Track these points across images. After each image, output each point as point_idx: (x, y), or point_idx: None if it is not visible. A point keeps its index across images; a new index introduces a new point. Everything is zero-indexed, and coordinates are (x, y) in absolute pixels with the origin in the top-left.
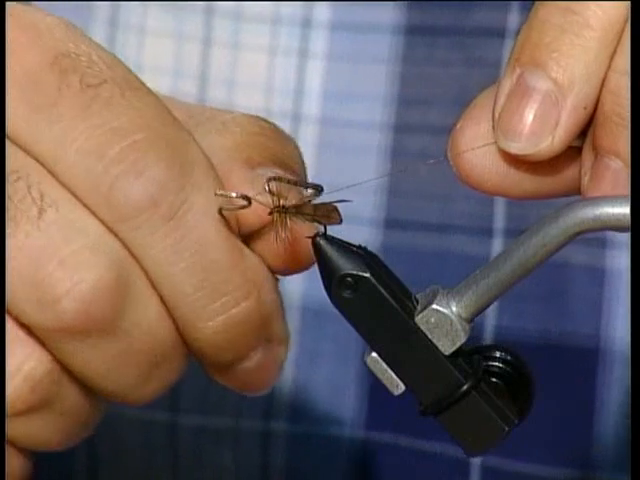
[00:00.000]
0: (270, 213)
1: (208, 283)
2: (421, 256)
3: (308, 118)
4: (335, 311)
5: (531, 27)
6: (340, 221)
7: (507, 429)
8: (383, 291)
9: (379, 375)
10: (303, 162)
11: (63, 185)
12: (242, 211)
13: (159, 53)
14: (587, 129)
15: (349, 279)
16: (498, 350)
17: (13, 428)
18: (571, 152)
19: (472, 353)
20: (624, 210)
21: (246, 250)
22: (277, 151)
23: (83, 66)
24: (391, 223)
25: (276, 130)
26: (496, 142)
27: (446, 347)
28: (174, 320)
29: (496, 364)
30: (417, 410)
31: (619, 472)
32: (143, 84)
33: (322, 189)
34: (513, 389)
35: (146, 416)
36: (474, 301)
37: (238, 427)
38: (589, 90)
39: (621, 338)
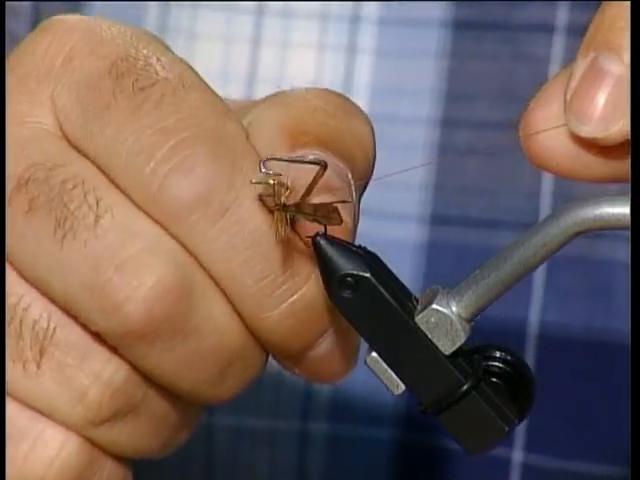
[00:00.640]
0: (270, 211)
1: (268, 272)
2: (467, 252)
3: None
4: None
5: (605, 11)
6: (340, 222)
7: (507, 429)
8: (383, 291)
9: (379, 375)
10: (372, 141)
11: (117, 188)
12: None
13: (208, 57)
14: None
15: (349, 279)
16: (498, 350)
17: (101, 436)
18: None
19: (472, 353)
20: (624, 210)
21: (295, 237)
22: (334, 131)
23: (138, 69)
24: (437, 219)
25: (344, 105)
26: (567, 124)
27: (446, 347)
28: (240, 315)
29: (496, 364)
30: (418, 410)
31: None
32: (199, 81)
33: (325, 165)
34: (513, 389)
35: None
36: (474, 301)
37: (275, 428)
38: None
39: None
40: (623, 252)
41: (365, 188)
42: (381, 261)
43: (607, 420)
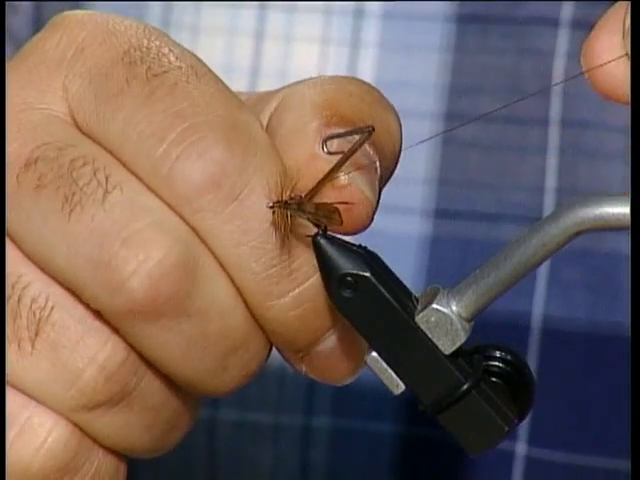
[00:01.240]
0: (272, 208)
1: (277, 261)
2: (471, 246)
3: None
4: None
5: None
6: (341, 222)
7: (507, 429)
8: (383, 290)
9: (379, 374)
10: (401, 138)
11: (128, 169)
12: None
13: (211, 51)
14: None
15: (349, 278)
16: (498, 350)
17: (93, 423)
18: None
19: (472, 353)
20: (624, 210)
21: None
22: (368, 118)
23: (151, 57)
24: (441, 213)
25: (380, 98)
26: (626, 54)
27: (446, 347)
28: (245, 303)
29: (496, 364)
30: (418, 409)
31: None
32: (210, 72)
33: (372, 129)
34: (513, 389)
35: None
36: (474, 301)
37: (278, 422)
38: None
39: None
40: (628, 245)
41: (386, 183)
42: (381, 260)
43: (610, 413)
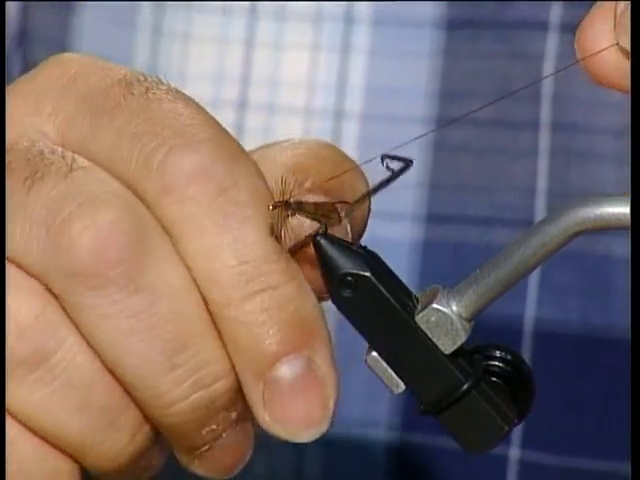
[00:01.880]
0: (274, 208)
1: (250, 258)
2: (464, 250)
3: (351, 114)
4: None
5: None
6: (340, 221)
7: (507, 428)
8: (384, 290)
9: (379, 374)
10: (369, 200)
11: (100, 164)
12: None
13: (202, 59)
14: None
15: (349, 278)
16: (498, 349)
17: (16, 393)
18: None
19: (472, 352)
20: (624, 210)
21: None
22: (338, 182)
23: (149, 82)
24: (433, 217)
25: (346, 160)
26: (617, 41)
27: (446, 346)
28: (206, 300)
29: (496, 363)
30: (417, 409)
31: None
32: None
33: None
34: (513, 388)
35: None
36: (474, 300)
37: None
38: None
39: None
40: (621, 248)
41: (361, 237)
42: (381, 260)
43: (604, 416)
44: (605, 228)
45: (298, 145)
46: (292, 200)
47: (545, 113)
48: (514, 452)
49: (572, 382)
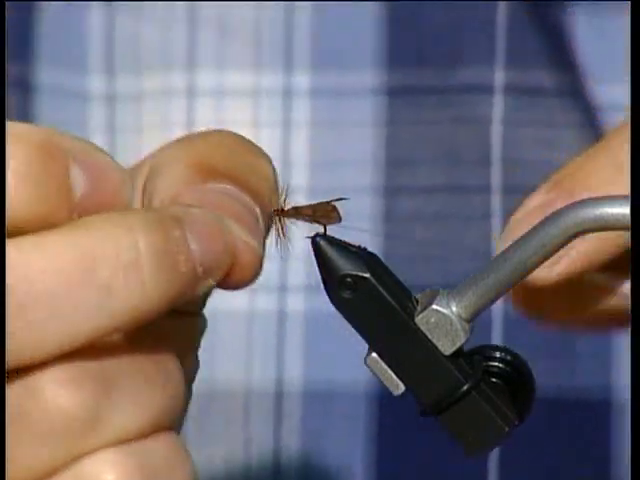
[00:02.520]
0: (275, 213)
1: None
2: None
3: (297, 189)
4: (342, 390)
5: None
6: (340, 219)
7: (507, 429)
8: (383, 291)
9: (379, 375)
10: (274, 179)
11: None
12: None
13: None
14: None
15: (349, 279)
16: (498, 350)
17: None
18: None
19: (472, 353)
20: (624, 210)
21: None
22: (241, 167)
23: None
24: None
25: (245, 143)
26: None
27: (446, 347)
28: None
29: (496, 364)
30: (417, 410)
31: None
32: None
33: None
34: (513, 389)
35: None
36: (474, 301)
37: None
38: None
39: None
40: None
41: (269, 230)
42: (381, 261)
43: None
44: (605, 228)
45: (195, 138)
46: (288, 207)
47: (495, 179)
48: None
49: (543, 443)
